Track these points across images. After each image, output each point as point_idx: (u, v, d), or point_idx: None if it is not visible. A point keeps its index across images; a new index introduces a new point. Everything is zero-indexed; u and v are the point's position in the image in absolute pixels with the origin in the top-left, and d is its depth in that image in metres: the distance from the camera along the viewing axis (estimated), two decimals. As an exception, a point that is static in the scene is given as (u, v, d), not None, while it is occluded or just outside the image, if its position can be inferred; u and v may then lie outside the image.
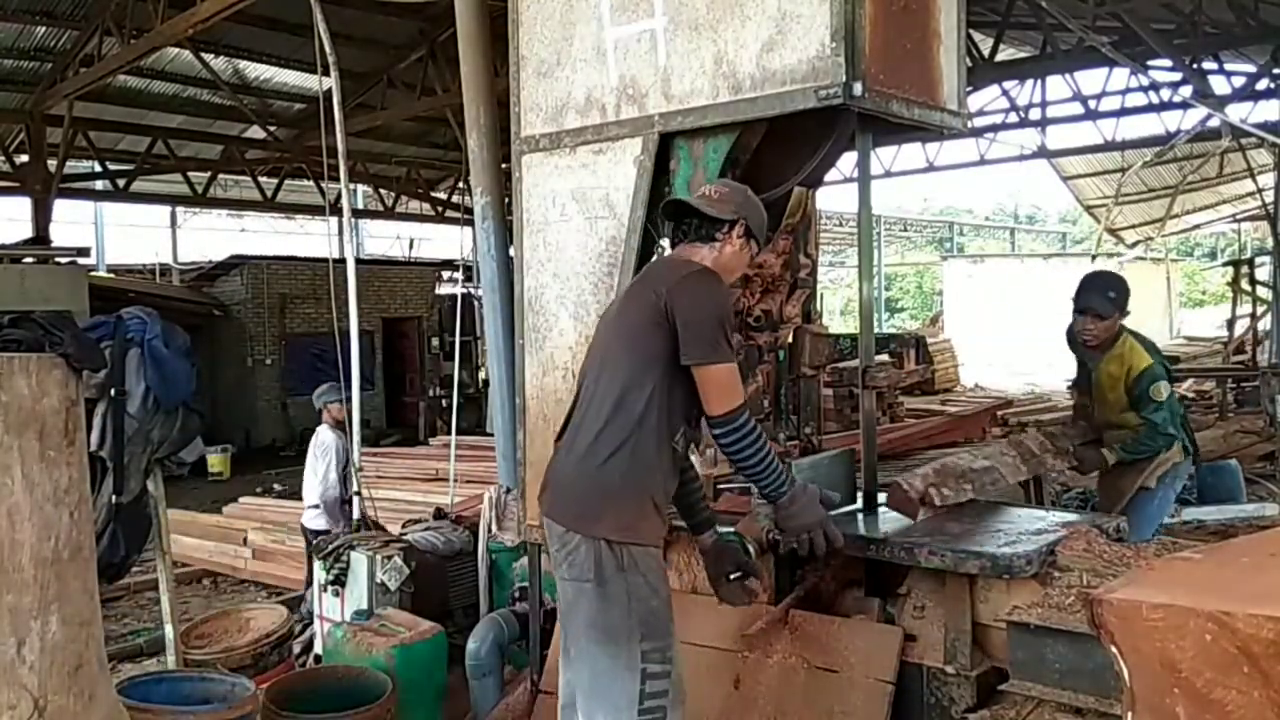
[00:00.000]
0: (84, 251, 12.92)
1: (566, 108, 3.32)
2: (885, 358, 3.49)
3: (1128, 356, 4.13)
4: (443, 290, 18.10)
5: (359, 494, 4.99)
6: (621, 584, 2.47)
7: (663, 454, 2.56)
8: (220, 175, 15.93)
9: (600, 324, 2.81)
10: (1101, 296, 4.18)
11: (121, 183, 14.84)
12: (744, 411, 2.51)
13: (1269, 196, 13.68)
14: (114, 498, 3.51)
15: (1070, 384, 4.73)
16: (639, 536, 2.50)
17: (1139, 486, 4.18)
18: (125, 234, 20.64)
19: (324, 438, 5.86)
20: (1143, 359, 4.11)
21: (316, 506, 5.78)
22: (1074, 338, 4.37)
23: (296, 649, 4.66)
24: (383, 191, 17.96)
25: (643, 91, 3.12)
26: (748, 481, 2.62)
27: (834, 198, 22.13)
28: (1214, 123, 11.91)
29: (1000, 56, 12.27)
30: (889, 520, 3.19)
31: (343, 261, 5.16)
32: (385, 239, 22.70)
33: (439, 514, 5.05)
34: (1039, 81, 13.81)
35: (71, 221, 17.62)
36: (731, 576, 2.69)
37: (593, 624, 2.49)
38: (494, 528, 4.42)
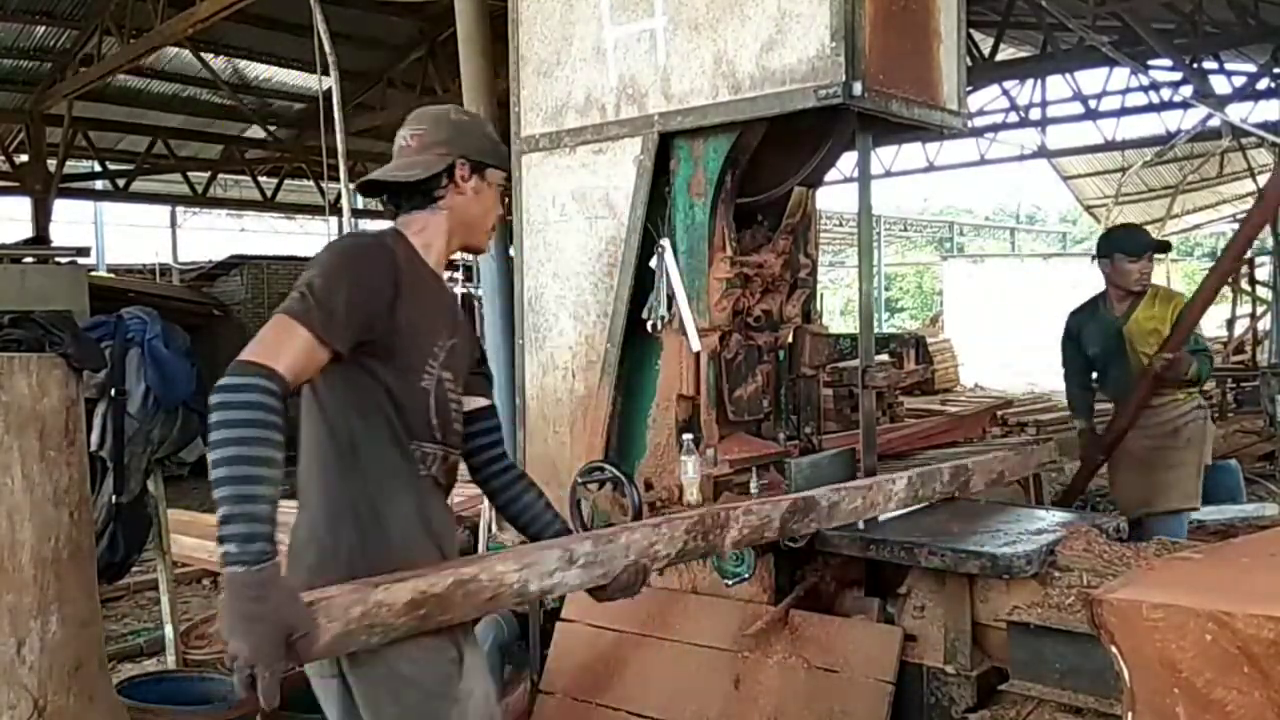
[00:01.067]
0: (84, 251, 12.89)
1: (566, 107, 3.32)
2: (885, 358, 3.49)
3: (1170, 295, 4.39)
4: (443, 290, 18.08)
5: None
6: (380, 670, 1.83)
7: (373, 484, 1.95)
8: (220, 175, 15.93)
9: None
10: (1146, 236, 4.43)
11: (121, 183, 14.85)
12: (258, 374, 1.72)
13: (1269, 196, 13.67)
14: (114, 498, 3.51)
15: (1072, 383, 4.72)
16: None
17: (1202, 465, 4.35)
18: (125, 234, 20.66)
19: None
20: (1183, 297, 4.35)
21: None
22: (1077, 317, 4.53)
23: (296, 649, 4.65)
24: (383, 191, 17.95)
25: (642, 91, 3.12)
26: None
27: (834, 198, 22.10)
28: (1214, 123, 11.91)
29: (1000, 56, 12.27)
30: (886, 520, 3.19)
31: (343, 261, 5.15)
32: (385, 239, 22.69)
33: (439, 514, 5.03)
34: (1039, 81, 13.81)
35: (71, 221, 17.65)
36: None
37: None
38: (494, 528, 4.42)
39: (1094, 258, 4.49)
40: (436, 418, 2.00)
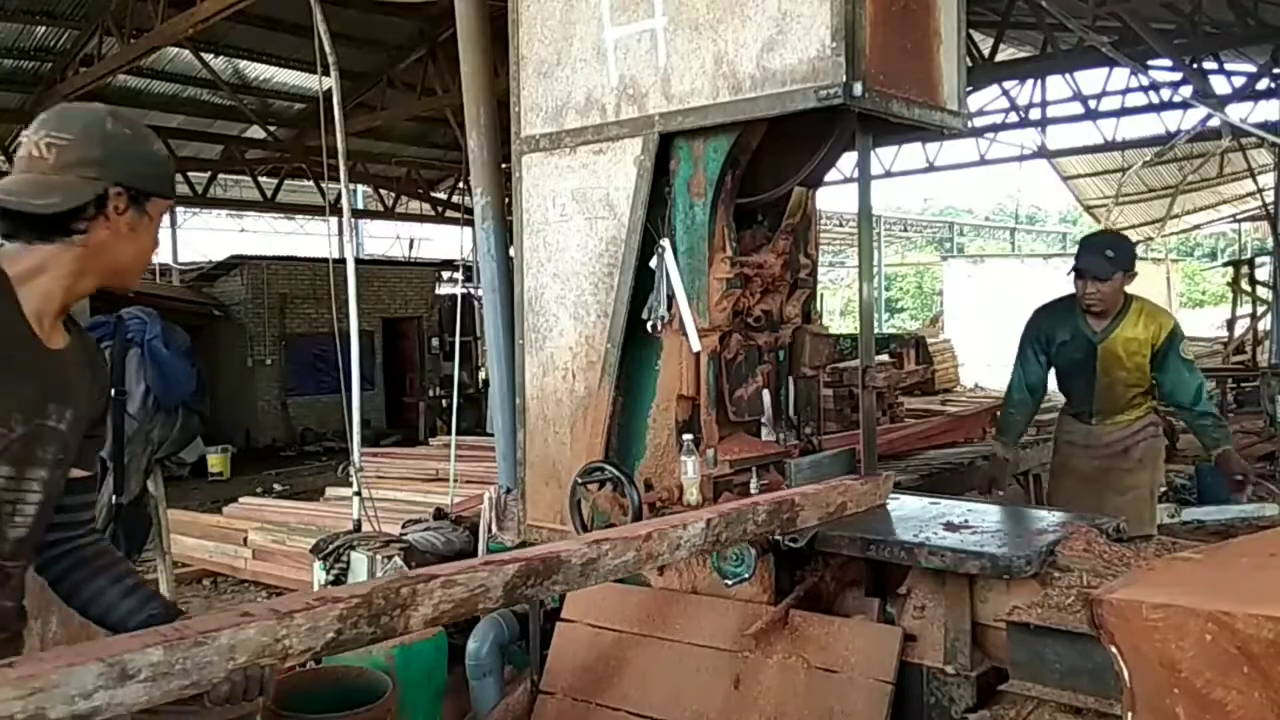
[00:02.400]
0: (84, 251, 12.91)
1: (566, 108, 3.32)
2: (885, 358, 3.48)
3: (1155, 315, 3.91)
4: (443, 290, 18.10)
5: (359, 494, 4.99)
6: None
7: None
8: (220, 175, 15.94)
9: None
10: (1098, 256, 3.86)
11: (121, 183, 14.84)
12: None
13: (1269, 196, 13.69)
14: (114, 498, 3.52)
15: (1017, 394, 4.22)
16: None
17: (1156, 489, 4.08)
18: (125, 234, 20.63)
19: None
20: (1170, 317, 3.89)
21: None
22: (1044, 317, 4.11)
23: (296, 649, 4.65)
24: (383, 191, 17.97)
25: (643, 91, 3.12)
26: None
27: (834, 198, 22.11)
28: (1214, 123, 11.91)
29: (1000, 56, 12.27)
30: (887, 520, 3.19)
31: (343, 261, 5.16)
32: (385, 239, 22.72)
33: (439, 514, 5.04)
34: (1039, 81, 13.82)
35: (71, 221, 17.62)
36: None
37: None
38: (494, 528, 4.42)
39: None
40: None
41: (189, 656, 1.45)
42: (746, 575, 2.96)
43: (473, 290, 11.85)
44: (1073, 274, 3.94)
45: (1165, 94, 12.90)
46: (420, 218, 19.31)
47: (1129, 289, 3.97)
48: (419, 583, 1.80)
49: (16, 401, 1.56)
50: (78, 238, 1.62)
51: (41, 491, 1.64)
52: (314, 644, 1.63)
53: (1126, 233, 24.44)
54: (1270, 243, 13.64)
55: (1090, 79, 13.82)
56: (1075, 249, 4.13)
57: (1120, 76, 13.49)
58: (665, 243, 3.12)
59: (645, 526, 2.34)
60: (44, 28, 11.19)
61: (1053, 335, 4.09)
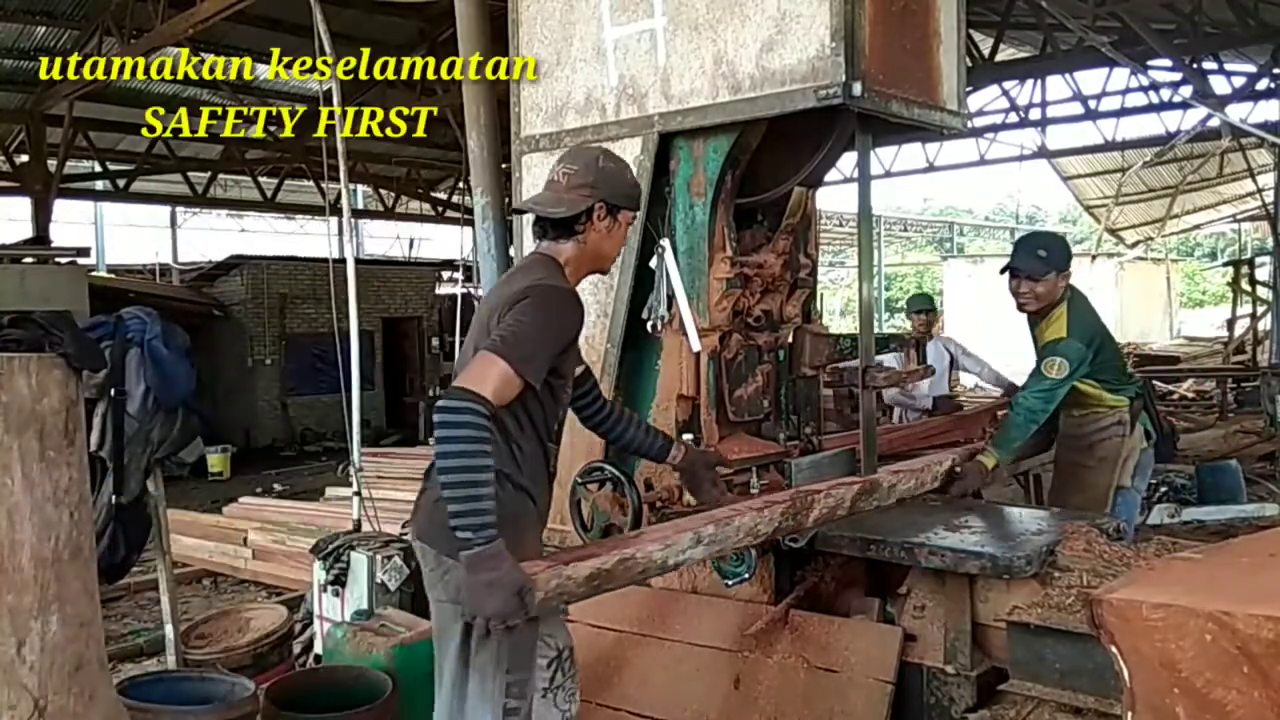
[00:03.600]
0: (84, 251, 12.91)
1: (566, 108, 3.32)
2: (885, 358, 3.48)
3: (1051, 323, 3.80)
4: (443, 290, 18.09)
5: (359, 494, 4.99)
6: None
7: (529, 470, 2.40)
8: (220, 175, 15.92)
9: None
10: (1030, 256, 3.83)
11: (121, 183, 14.84)
12: (475, 402, 2.10)
13: (1269, 196, 13.70)
14: (114, 498, 3.51)
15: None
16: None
17: (1116, 486, 3.91)
18: (125, 234, 20.66)
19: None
20: (1059, 329, 3.73)
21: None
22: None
23: (296, 649, 4.65)
24: (383, 191, 17.96)
25: (642, 91, 3.12)
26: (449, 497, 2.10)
27: (834, 198, 22.09)
28: (1214, 123, 11.91)
29: (1000, 56, 12.27)
30: (887, 520, 3.19)
31: (343, 261, 5.16)
32: (385, 239, 22.71)
33: (439, 514, 5.03)
34: (1039, 81, 13.81)
35: (71, 221, 17.65)
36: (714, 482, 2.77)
37: (463, 648, 2.34)
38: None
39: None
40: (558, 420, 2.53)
41: (721, 533, 2.46)
42: (746, 575, 2.96)
43: (473, 290, 11.84)
44: (1006, 273, 3.92)
45: (1165, 94, 12.89)
46: (420, 218, 19.30)
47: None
48: (814, 494, 2.75)
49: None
50: (579, 237, 2.47)
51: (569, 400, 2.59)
52: (770, 527, 2.61)
53: (1126, 233, 24.38)
54: (1270, 243, 13.64)
55: (1090, 79, 13.84)
56: (1014, 243, 4.08)
57: (1120, 76, 13.50)
58: (665, 243, 3.12)
59: (921, 462, 3.38)
60: (44, 28, 11.18)
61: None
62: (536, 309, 2.30)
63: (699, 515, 2.59)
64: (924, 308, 6.85)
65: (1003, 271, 3.93)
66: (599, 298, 3.23)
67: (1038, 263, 3.81)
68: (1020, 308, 3.94)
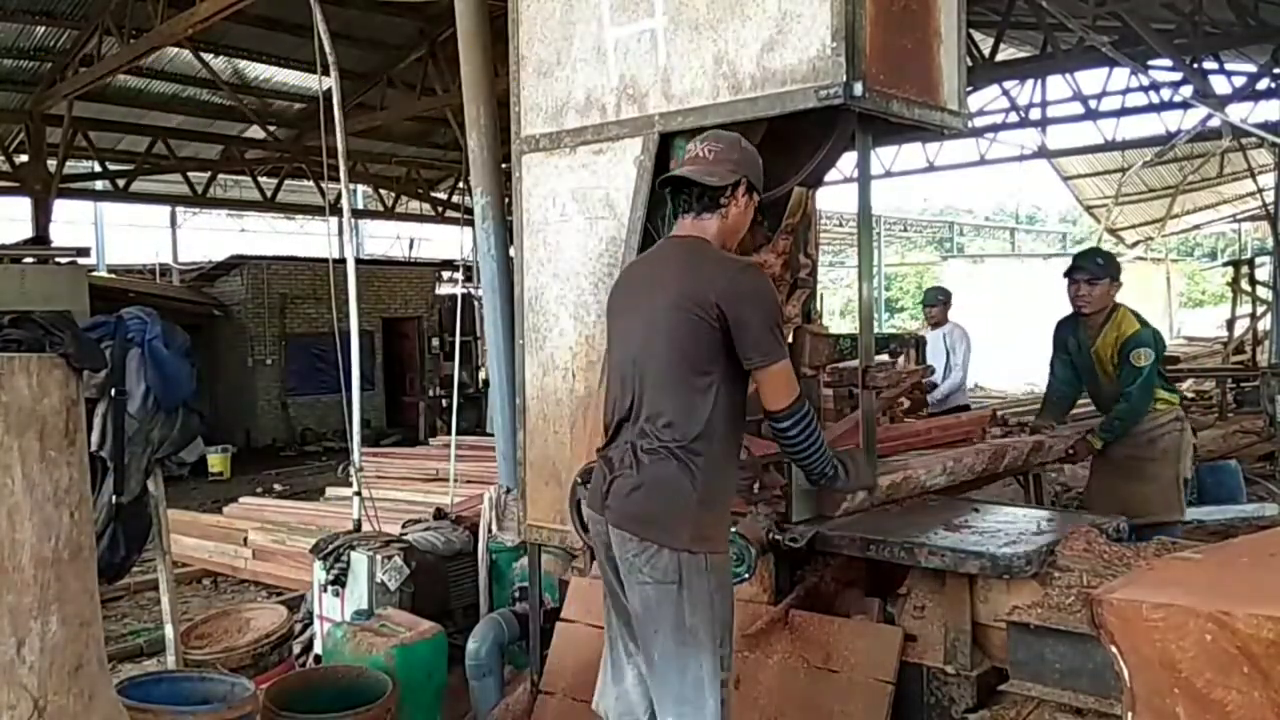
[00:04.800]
0: (84, 251, 12.91)
1: (566, 107, 3.32)
2: (885, 357, 3.50)
3: (1120, 322, 4.35)
4: (443, 290, 18.09)
5: (359, 494, 4.99)
6: (704, 586, 2.45)
7: (733, 460, 2.59)
8: (220, 175, 15.92)
9: (624, 322, 2.69)
10: (1091, 261, 4.46)
11: (121, 183, 14.84)
12: (805, 402, 2.54)
13: (1269, 196, 13.68)
14: (114, 498, 3.50)
15: (1051, 389, 4.80)
16: (716, 545, 2.50)
17: (1182, 477, 4.38)
18: (125, 234, 20.65)
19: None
20: (1132, 325, 4.32)
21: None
22: (1061, 326, 4.63)
23: (296, 649, 4.65)
24: (383, 191, 17.95)
25: (643, 91, 3.12)
26: (805, 468, 2.71)
27: (834, 198, 22.11)
28: (1214, 123, 11.88)
29: (1000, 56, 12.26)
30: (887, 520, 3.19)
31: (343, 261, 5.16)
32: (385, 239, 22.70)
33: (439, 514, 5.04)
34: (1039, 81, 13.80)
35: (71, 221, 17.64)
36: None
37: (679, 626, 2.45)
38: (494, 528, 4.42)
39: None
40: None
41: (958, 467, 3.45)
42: (746, 575, 2.96)
43: (473, 290, 11.84)
44: (1066, 278, 4.47)
45: (1165, 94, 12.88)
46: (420, 218, 19.29)
47: (1121, 300, 4.48)
48: (1008, 447, 3.84)
49: None
50: (723, 210, 2.56)
51: None
52: (980, 467, 3.71)
53: (1126, 233, 24.44)
54: (1270, 243, 13.63)
55: (1090, 79, 13.82)
56: (1072, 255, 4.74)
57: (1120, 76, 13.48)
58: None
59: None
60: (44, 28, 11.17)
61: (1066, 342, 4.62)
62: (764, 294, 2.50)
63: (944, 452, 3.50)
64: (936, 300, 7.28)
65: (1067, 274, 4.47)
66: (599, 298, 3.23)
67: (1097, 267, 4.40)
68: (1078, 309, 4.48)
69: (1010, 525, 3.04)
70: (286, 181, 16.30)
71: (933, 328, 6.99)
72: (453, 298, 15.67)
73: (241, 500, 8.62)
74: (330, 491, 9.12)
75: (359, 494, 5.00)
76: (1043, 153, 16.90)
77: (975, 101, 14.01)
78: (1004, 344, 20.55)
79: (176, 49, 11.13)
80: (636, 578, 2.49)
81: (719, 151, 2.57)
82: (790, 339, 3.47)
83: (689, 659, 2.44)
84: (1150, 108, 13.63)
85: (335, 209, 11.77)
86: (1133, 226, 22.36)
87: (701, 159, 2.58)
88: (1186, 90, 11.31)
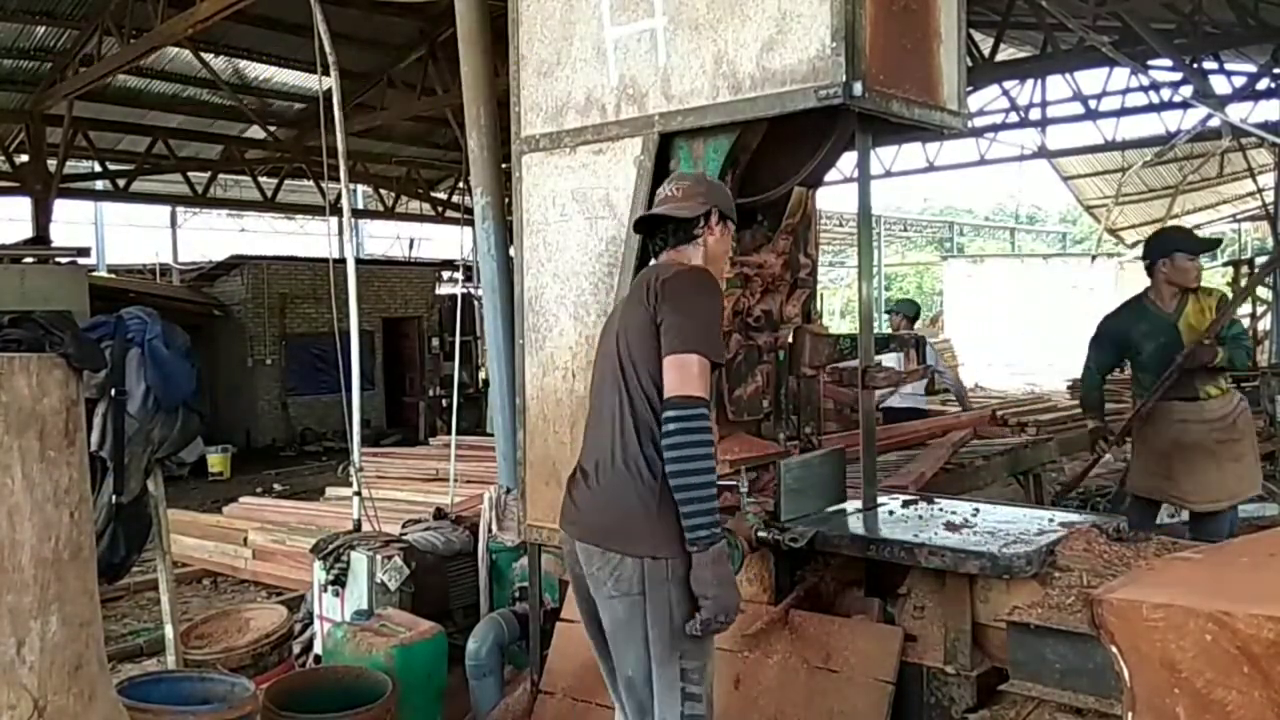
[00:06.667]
0: (84, 251, 12.91)
1: (566, 108, 3.32)
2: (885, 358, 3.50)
3: (1206, 289, 4.62)
4: (443, 290, 18.09)
5: (359, 494, 4.99)
6: (664, 597, 2.41)
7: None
8: (220, 175, 15.91)
9: (603, 338, 2.73)
10: (1194, 239, 4.74)
11: (121, 183, 14.84)
12: (702, 405, 2.33)
13: (1269, 196, 13.68)
14: (114, 498, 3.50)
15: (1092, 384, 4.95)
16: (679, 550, 2.43)
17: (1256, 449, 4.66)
18: (125, 234, 20.66)
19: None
20: (1216, 288, 4.71)
21: None
22: (1120, 318, 4.76)
23: (296, 649, 4.65)
24: (383, 191, 17.95)
25: (643, 91, 3.12)
26: (676, 493, 2.34)
27: (834, 198, 22.12)
28: (1214, 123, 11.88)
29: (1000, 56, 12.26)
30: (886, 520, 3.19)
31: (343, 261, 5.16)
32: (385, 239, 22.71)
33: (439, 514, 5.04)
34: (1039, 81, 13.79)
35: (71, 221, 17.64)
36: None
37: (645, 639, 2.45)
38: (494, 528, 4.42)
39: (1146, 259, 4.70)
40: None
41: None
42: (736, 570, 2.96)
43: (473, 290, 11.84)
44: (1181, 255, 4.55)
45: (1165, 94, 12.87)
46: (420, 218, 19.29)
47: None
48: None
49: None
50: (698, 239, 2.64)
51: None
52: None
53: (1126, 233, 24.41)
54: (1270, 243, 13.62)
55: (1090, 79, 13.82)
56: (1157, 239, 4.89)
57: (1120, 76, 13.48)
58: (665, 242, 3.11)
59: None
60: (44, 28, 11.17)
61: (1128, 333, 4.69)
62: (690, 293, 2.45)
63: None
64: (907, 313, 7.91)
65: (1185, 252, 4.59)
66: (599, 298, 3.24)
67: (1211, 242, 4.84)
68: (1191, 283, 4.60)
69: (1010, 525, 3.04)
70: (286, 181, 16.29)
71: (917, 341, 7.19)
72: (453, 298, 15.66)
73: (241, 500, 8.62)
74: (330, 491, 9.11)
75: (359, 494, 4.99)
76: (1043, 153, 16.89)
77: (975, 101, 14.01)
78: (1004, 344, 20.58)
79: (176, 49, 11.13)
80: (605, 592, 2.49)
81: (686, 188, 2.68)
82: (790, 339, 3.48)
83: (658, 673, 2.44)
84: (1150, 108, 13.62)
85: (335, 209, 11.75)
86: (1133, 226, 22.34)
87: (672, 198, 2.68)
88: (1186, 90, 11.30)
